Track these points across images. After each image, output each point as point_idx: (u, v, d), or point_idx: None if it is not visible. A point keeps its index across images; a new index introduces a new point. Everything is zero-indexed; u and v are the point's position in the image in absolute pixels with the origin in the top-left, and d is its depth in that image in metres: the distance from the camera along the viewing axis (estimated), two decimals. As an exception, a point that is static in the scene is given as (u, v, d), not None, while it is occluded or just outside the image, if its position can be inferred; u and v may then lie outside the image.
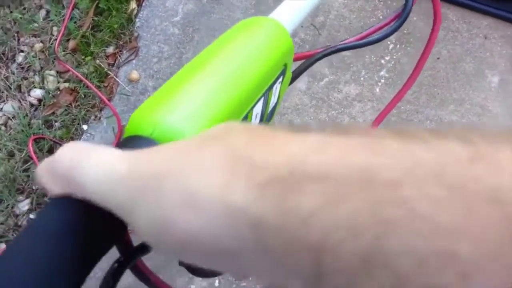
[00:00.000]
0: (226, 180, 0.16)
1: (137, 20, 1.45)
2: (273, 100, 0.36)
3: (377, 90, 1.31)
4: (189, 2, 1.48)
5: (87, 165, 0.19)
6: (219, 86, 0.28)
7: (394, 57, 1.34)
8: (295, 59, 0.47)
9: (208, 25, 1.45)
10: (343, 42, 0.52)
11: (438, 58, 1.32)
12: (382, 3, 1.40)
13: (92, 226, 0.21)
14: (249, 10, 1.45)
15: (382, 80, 1.32)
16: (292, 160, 0.15)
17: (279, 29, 0.35)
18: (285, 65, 0.36)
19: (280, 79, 0.36)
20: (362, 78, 1.33)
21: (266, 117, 0.37)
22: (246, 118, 0.31)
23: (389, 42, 1.35)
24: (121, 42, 1.41)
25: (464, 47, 1.32)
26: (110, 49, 1.41)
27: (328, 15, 1.41)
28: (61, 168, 0.20)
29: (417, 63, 0.64)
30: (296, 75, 0.47)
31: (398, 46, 1.35)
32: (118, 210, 0.19)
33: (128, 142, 0.24)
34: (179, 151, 0.18)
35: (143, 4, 1.48)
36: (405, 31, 1.35)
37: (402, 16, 0.53)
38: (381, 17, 1.37)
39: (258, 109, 0.33)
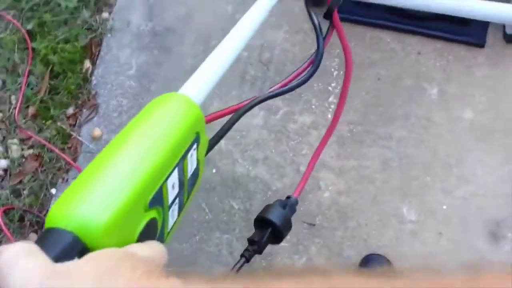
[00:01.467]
0: None
1: (93, 78, 1.48)
2: (190, 167, 0.40)
3: (329, 115, 1.38)
4: (141, 54, 1.52)
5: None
6: (130, 167, 0.31)
7: (339, 82, 1.41)
8: (227, 113, 0.51)
9: (162, 74, 1.49)
10: (269, 91, 0.57)
11: (379, 79, 1.40)
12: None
13: None
14: (198, 56, 1.50)
15: (332, 106, 1.39)
16: None
17: (188, 102, 0.40)
18: (197, 133, 0.39)
19: (194, 147, 0.39)
20: (313, 106, 1.40)
21: (188, 183, 0.40)
22: (161, 189, 0.34)
23: (332, 69, 1.42)
24: (80, 102, 1.43)
25: (401, 65, 1.41)
26: (70, 110, 1.43)
27: (273, 51, 1.47)
28: None
29: (335, 112, 0.70)
30: (227, 129, 0.51)
31: (341, 72, 1.42)
32: None
33: (46, 236, 0.27)
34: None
35: (97, 62, 1.51)
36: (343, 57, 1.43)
37: (316, 62, 0.59)
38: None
39: (174, 179, 0.36)
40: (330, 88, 1.41)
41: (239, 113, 0.52)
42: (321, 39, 0.58)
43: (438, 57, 1.41)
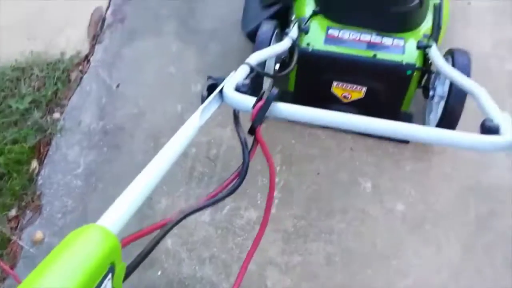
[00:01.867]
0: None
1: (39, 178, 1.48)
2: None
3: (274, 210, 1.43)
4: (90, 153, 1.55)
5: None
6: None
7: (282, 177, 1.49)
8: (145, 234, 0.52)
9: (111, 172, 1.52)
10: (195, 203, 0.60)
11: (318, 174, 1.49)
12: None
13: None
14: (149, 152, 1.55)
15: (276, 200, 1.45)
16: None
17: (104, 233, 0.42)
18: (112, 263, 0.41)
19: (109, 277, 0.41)
20: (258, 201, 1.45)
21: None
22: None
23: (277, 166, 1.51)
24: (23, 203, 1.41)
25: (337, 160, 1.52)
26: (13, 212, 1.40)
27: (220, 148, 1.55)
28: None
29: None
30: (151, 248, 0.51)
31: (284, 167, 1.51)
32: None
33: None
34: None
35: (45, 161, 1.52)
36: (286, 153, 1.53)
37: (242, 173, 0.64)
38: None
39: None
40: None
41: (165, 229, 0.54)
42: (246, 152, 0.65)
43: (370, 153, 1.54)
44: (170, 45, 1.85)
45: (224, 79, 0.80)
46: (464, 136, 0.68)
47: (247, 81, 0.81)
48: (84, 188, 1.46)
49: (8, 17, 1.96)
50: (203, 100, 0.76)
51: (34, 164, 1.49)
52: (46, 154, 1.53)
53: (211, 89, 0.79)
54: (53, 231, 1.36)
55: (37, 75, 1.73)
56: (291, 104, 0.72)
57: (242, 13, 1.82)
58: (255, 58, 1.00)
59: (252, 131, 0.67)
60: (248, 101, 0.71)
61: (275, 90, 0.69)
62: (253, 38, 1.68)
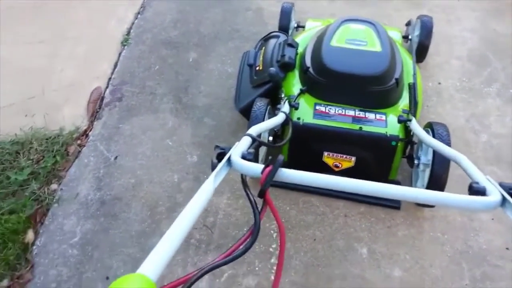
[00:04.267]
0: None
1: (34, 248, 1.56)
2: None
3: (272, 277, 1.53)
4: (87, 222, 1.67)
5: None
6: None
7: (279, 243, 1.62)
8: (173, 286, 0.62)
9: (107, 240, 1.62)
10: (213, 261, 0.71)
11: (314, 240, 1.63)
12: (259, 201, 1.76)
13: None
14: (145, 221, 1.68)
15: (275, 267, 1.56)
16: None
17: (145, 282, 0.51)
18: None
19: None
20: (257, 268, 1.56)
21: None
22: None
23: (272, 231, 1.65)
24: (16, 274, 1.47)
25: (332, 227, 1.68)
26: (5, 283, 1.45)
27: (217, 215, 1.70)
28: None
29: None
30: None
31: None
32: None
33: None
34: None
35: (41, 231, 1.61)
36: (282, 219, 1.68)
37: (254, 233, 0.77)
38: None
39: None
40: (271, 249, 1.61)
41: (187, 284, 0.64)
42: (257, 214, 0.75)
43: (363, 219, 1.71)
44: (166, 120, 2.09)
45: (230, 148, 0.93)
46: (457, 197, 0.79)
47: (252, 150, 0.95)
48: (79, 257, 1.55)
49: (9, 95, 2.20)
50: (213, 167, 0.91)
51: (30, 234, 1.58)
52: (42, 224, 1.64)
53: (219, 157, 0.95)
54: (46, 302, 1.41)
55: (36, 149, 1.90)
56: (294, 170, 0.84)
57: (235, 91, 2.11)
58: (255, 130, 1.15)
59: (262, 194, 0.78)
60: (256, 168, 0.84)
61: (281, 157, 0.82)
62: (245, 114, 1.95)
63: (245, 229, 1.65)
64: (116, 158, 1.91)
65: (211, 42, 2.51)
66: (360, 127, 1.64)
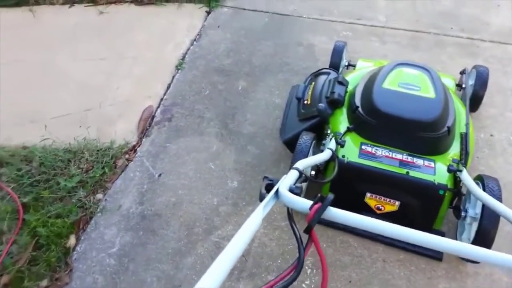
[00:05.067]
0: None
1: (74, 253, 1.64)
2: None
3: (301, 313, 1.52)
4: (126, 234, 1.73)
5: None
6: None
7: (313, 280, 1.61)
8: None
9: (144, 254, 1.67)
10: None
11: (350, 282, 1.61)
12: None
13: None
14: (182, 240, 1.72)
15: (305, 304, 1.54)
16: None
17: None
18: None
19: None
20: (286, 302, 1.54)
21: None
22: None
23: (306, 267, 1.64)
24: (56, 275, 1.55)
25: (369, 270, 1.65)
26: (44, 283, 1.53)
27: (252, 243, 1.72)
28: None
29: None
30: None
31: (314, 270, 1.64)
32: None
33: None
34: None
35: (82, 237, 1.69)
36: (317, 257, 1.67)
37: (298, 268, 0.79)
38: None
39: None
40: (304, 285, 1.60)
41: None
42: (302, 249, 0.77)
43: (402, 266, 1.67)
44: (211, 144, 2.16)
45: (278, 180, 0.95)
46: (505, 256, 0.76)
47: (300, 185, 0.97)
48: (116, 267, 1.61)
49: (68, 106, 2.37)
50: (261, 197, 0.93)
51: (72, 239, 1.67)
52: (84, 231, 1.72)
53: (267, 188, 0.98)
54: (79, 308, 1.47)
55: (87, 159, 2.02)
56: (341, 209, 0.85)
57: (281, 122, 2.16)
58: (302, 164, 1.15)
59: (308, 230, 0.79)
60: (305, 203, 0.85)
61: (331, 196, 0.83)
62: (289, 146, 2.00)
63: (278, 261, 1.65)
64: (160, 175, 2.00)
65: (261, 73, 2.61)
66: (407, 172, 1.63)
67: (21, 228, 1.66)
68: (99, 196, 1.88)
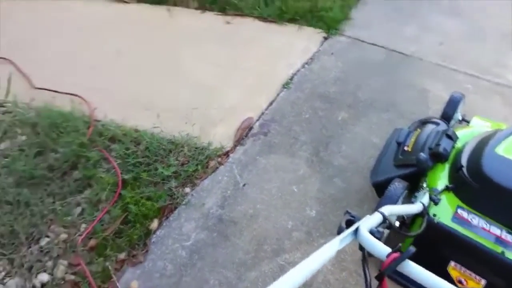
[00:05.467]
0: None
1: (154, 236, 1.78)
2: None
3: None
4: (202, 232, 1.84)
5: None
6: None
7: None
8: None
9: (212, 256, 1.76)
10: None
11: None
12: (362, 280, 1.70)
13: None
14: (250, 253, 1.78)
15: None
16: None
17: None
18: None
19: None
20: None
21: None
22: None
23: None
24: (133, 252, 1.70)
25: None
26: (122, 255, 1.69)
27: (315, 277, 1.70)
28: None
29: None
30: None
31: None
32: None
33: None
34: None
35: (164, 224, 1.84)
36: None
37: None
38: (362, 292, 1.64)
39: None
40: (359, 335, 1.54)
41: None
42: None
43: None
44: (299, 167, 2.19)
45: (359, 218, 0.95)
46: None
47: (381, 229, 0.95)
48: (185, 260, 1.72)
49: (179, 101, 2.59)
50: (339, 230, 0.93)
51: (155, 223, 1.82)
52: (167, 219, 1.87)
53: (348, 223, 0.97)
54: (147, 286, 1.60)
55: (185, 153, 2.19)
56: (419, 266, 0.83)
57: (375, 163, 2.11)
58: (388, 210, 1.12)
59: (380, 277, 0.79)
60: (383, 249, 0.84)
61: (412, 249, 0.81)
62: (378, 189, 1.93)
63: (339, 303, 1.61)
64: (244, 185, 2.08)
65: (365, 107, 2.58)
66: (503, 251, 1.48)
67: (116, 201, 1.86)
68: (187, 189, 2.02)
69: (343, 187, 2.09)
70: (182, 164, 2.12)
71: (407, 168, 1.87)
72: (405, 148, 1.97)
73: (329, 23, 3.28)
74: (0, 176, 1.93)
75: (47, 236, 1.68)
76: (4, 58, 2.88)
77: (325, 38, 3.19)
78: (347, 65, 2.94)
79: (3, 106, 2.47)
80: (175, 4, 3.52)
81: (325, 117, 2.51)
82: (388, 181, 1.70)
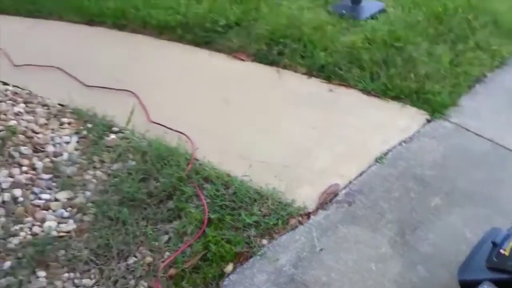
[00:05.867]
0: None
1: (226, 279, 1.85)
2: None
3: None
4: (272, 287, 1.85)
5: None
6: None
7: None
8: None
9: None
10: None
11: None
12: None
13: None
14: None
15: None
16: None
17: None
18: None
19: None
20: None
21: None
22: None
23: None
24: (201, 288, 1.77)
25: None
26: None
27: None
28: None
29: None
30: None
31: None
32: None
33: None
34: None
35: (237, 269, 1.90)
36: None
37: None
38: None
39: None
40: None
41: None
42: None
43: None
44: (381, 245, 2.13)
45: None
46: None
47: None
48: (251, 311, 1.74)
49: (272, 155, 2.72)
50: None
51: (230, 266, 1.89)
52: (241, 265, 1.93)
53: None
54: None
55: (268, 206, 2.27)
56: None
57: (464, 259, 1.97)
58: None
59: None
60: None
61: None
62: (463, 287, 1.79)
63: None
64: (321, 250, 2.07)
65: (462, 198, 2.45)
66: None
67: (199, 237, 1.98)
68: (264, 241, 2.07)
69: (426, 277, 1.97)
70: (264, 216, 2.19)
71: (500, 273, 1.73)
72: (501, 251, 1.83)
73: (435, 107, 3.24)
74: (108, 193, 2.20)
75: (135, 256, 1.83)
76: (131, 92, 3.33)
77: (428, 121, 3.14)
78: (448, 151, 2.84)
79: (122, 132, 2.84)
80: (285, 67, 3.78)
81: (416, 200, 2.43)
82: (477, 283, 1.59)
